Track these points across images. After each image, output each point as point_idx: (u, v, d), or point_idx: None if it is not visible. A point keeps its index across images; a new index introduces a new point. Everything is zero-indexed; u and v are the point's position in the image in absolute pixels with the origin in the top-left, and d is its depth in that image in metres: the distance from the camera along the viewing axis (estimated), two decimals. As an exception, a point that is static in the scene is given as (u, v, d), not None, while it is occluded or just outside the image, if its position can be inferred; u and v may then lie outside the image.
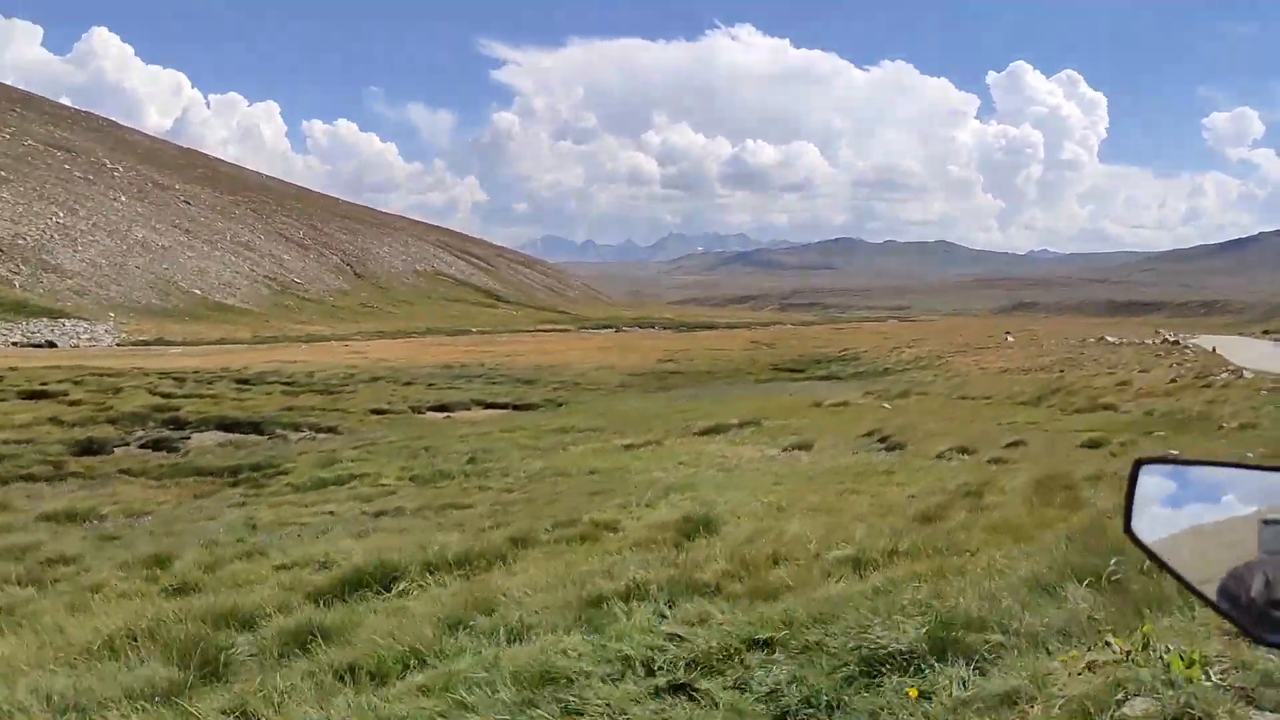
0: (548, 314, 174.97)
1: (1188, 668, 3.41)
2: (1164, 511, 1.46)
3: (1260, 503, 1.36)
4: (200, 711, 4.31)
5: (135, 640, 5.39)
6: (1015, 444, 19.20)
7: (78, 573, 9.41)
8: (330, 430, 24.94)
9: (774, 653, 4.69)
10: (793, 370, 52.10)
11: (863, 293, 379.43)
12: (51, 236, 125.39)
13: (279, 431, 24.43)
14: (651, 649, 4.74)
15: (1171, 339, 55.17)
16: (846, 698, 4.02)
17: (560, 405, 32.75)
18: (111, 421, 24.17)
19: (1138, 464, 1.49)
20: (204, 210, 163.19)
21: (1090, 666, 3.76)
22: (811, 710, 3.97)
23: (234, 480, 17.56)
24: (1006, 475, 14.42)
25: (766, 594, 6.54)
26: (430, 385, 38.57)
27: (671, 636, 4.91)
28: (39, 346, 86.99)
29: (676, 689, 4.32)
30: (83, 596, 7.92)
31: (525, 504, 13.67)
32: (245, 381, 36.91)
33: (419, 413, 29.96)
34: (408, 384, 38.86)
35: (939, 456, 17.82)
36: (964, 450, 18.11)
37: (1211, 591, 1.39)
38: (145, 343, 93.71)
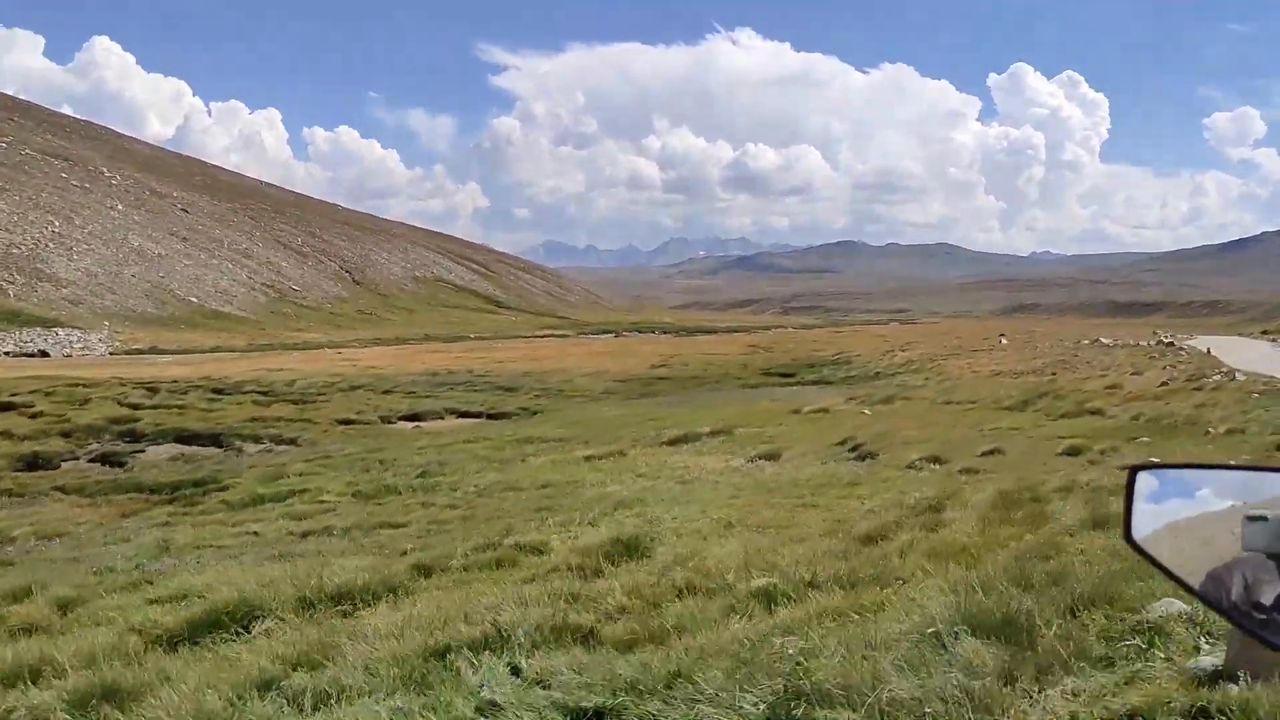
0: (547, 319, 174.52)
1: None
2: (1161, 517, 1.48)
3: (1246, 499, 1.38)
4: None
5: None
6: (992, 452, 18.48)
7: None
8: (290, 442, 24.26)
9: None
10: (783, 375, 51.31)
11: (864, 295, 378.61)
12: (47, 245, 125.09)
13: (237, 444, 23.76)
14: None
15: (1166, 340, 54.28)
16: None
17: (535, 413, 32.03)
18: (65, 435, 23.51)
19: (1133, 471, 1.52)
20: (202, 218, 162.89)
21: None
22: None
23: (171, 497, 16.87)
24: (974, 487, 13.72)
25: (651, 637, 5.83)
26: (409, 394, 37.90)
27: (487, 707, 4.19)
28: (31, 356, 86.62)
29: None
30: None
31: (461, 522, 12.96)
32: (220, 391, 36.25)
33: (389, 423, 29.29)
34: (386, 392, 38.18)
35: (909, 466, 17.10)
36: (936, 460, 17.40)
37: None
38: (139, 351, 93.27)
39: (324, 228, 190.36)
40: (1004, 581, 6.82)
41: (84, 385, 37.18)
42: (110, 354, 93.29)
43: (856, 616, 5.90)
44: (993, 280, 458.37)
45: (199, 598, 7.28)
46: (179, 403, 31.34)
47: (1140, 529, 1.46)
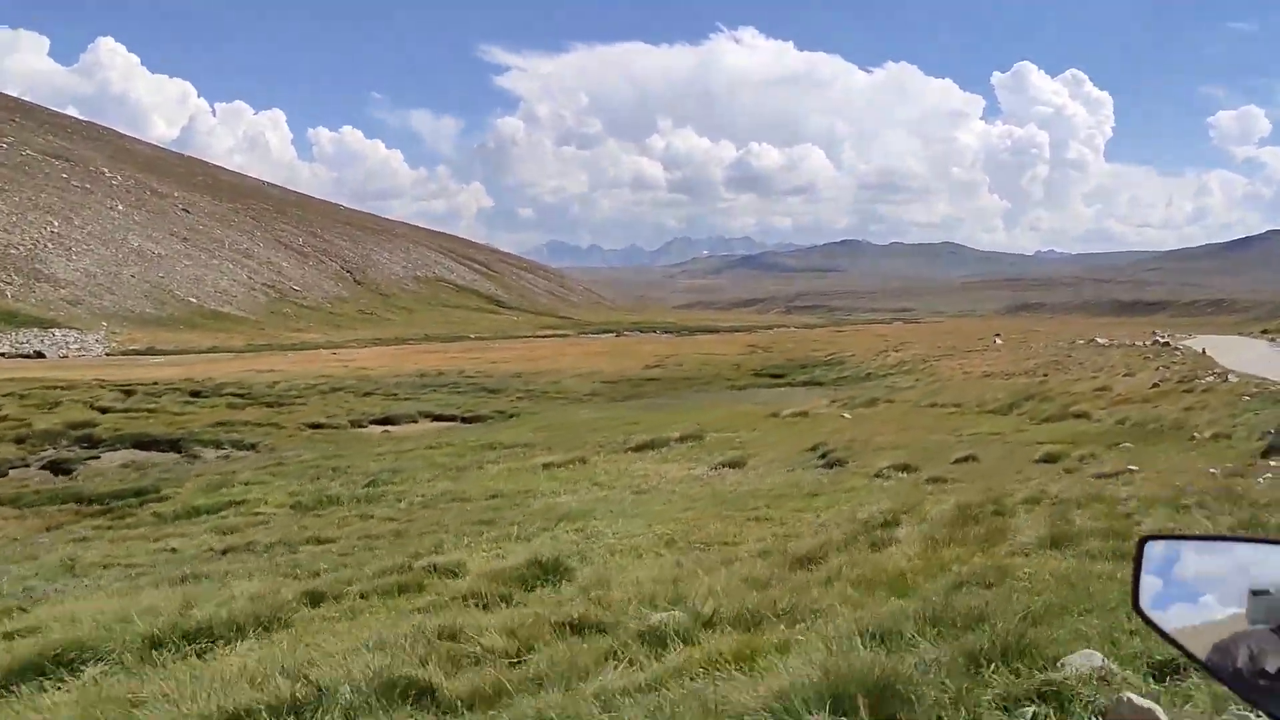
0: (549, 319, 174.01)
1: None
2: (1169, 586, 1.49)
3: (1253, 573, 1.39)
4: None
5: None
6: (965, 459, 17.81)
7: None
8: (251, 448, 23.65)
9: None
10: (774, 376, 50.58)
11: (868, 295, 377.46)
12: (45, 246, 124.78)
13: (196, 449, 23.16)
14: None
15: (1163, 340, 53.42)
16: None
17: (512, 416, 31.37)
18: (19, 440, 22.92)
19: (1142, 542, 1.56)
20: (202, 218, 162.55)
21: None
22: None
23: (105, 508, 16.23)
24: (938, 498, 13.12)
25: (497, 694, 5.19)
26: (390, 396, 37.27)
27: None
28: (27, 357, 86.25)
29: None
30: None
31: (393, 538, 12.33)
32: (198, 394, 35.66)
33: (360, 426, 28.66)
34: (367, 394, 37.56)
35: (877, 475, 16.45)
36: (905, 468, 16.73)
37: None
38: (136, 352, 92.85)
39: (325, 227, 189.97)
40: (916, 622, 6.18)
41: (62, 387, 36.65)
42: (107, 355, 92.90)
43: (737, 669, 5.29)
44: (997, 279, 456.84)
45: (40, 634, 6.63)
46: (150, 406, 30.75)
47: (1148, 599, 1.50)
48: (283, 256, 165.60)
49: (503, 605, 8.23)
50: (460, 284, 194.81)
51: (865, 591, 7.48)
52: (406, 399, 36.16)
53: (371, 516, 14.02)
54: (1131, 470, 15.26)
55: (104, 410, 29.22)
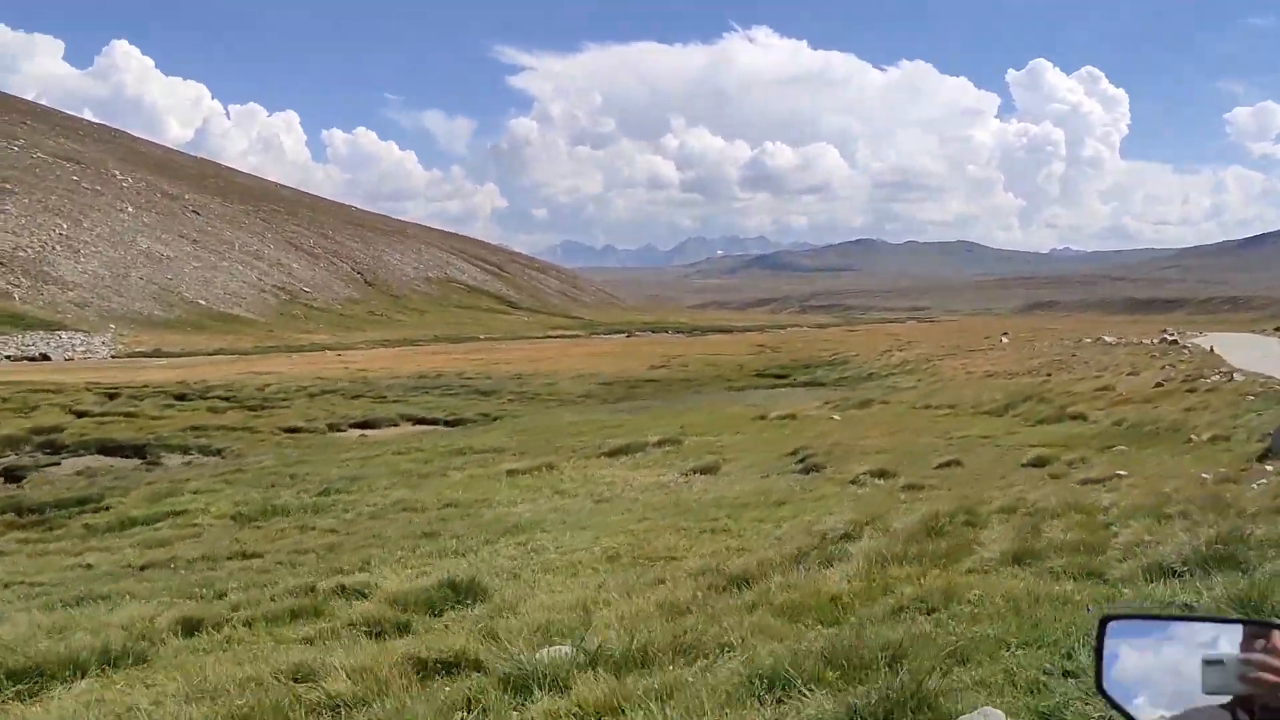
0: (559, 320, 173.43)
1: None
2: (1130, 664, 1.50)
3: (1208, 646, 1.42)
4: None
5: None
6: (949, 464, 17.05)
7: None
8: (217, 453, 23.02)
9: None
10: (777, 376, 49.75)
11: (883, 294, 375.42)
12: (53, 248, 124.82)
13: (161, 455, 22.56)
14: None
15: (1171, 338, 52.27)
16: None
17: (496, 419, 30.62)
18: (-21, 447, 22.37)
19: (1103, 622, 1.56)
20: (213, 220, 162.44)
21: None
22: None
23: (41, 519, 15.58)
24: (910, 507, 12.40)
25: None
26: (379, 399, 36.64)
27: None
28: (33, 359, 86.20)
29: None
30: None
31: (326, 552, 11.63)
32: (182, 397, 35.11)
33: (338, 430, 28.01)
34: (356, 397, 36.94)
35: (853, 482, 15.71)
36: (883, 474, 15.98)
37: None
38: (142, 354, 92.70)
39: (336, 229, 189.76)
40: (820, 662, 5.55)
41: (48, 391, 36.18)
42: (112, 357, 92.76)
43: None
44: (1012, 278, 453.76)
45: None
46: (129, 410, 30.18)
47: (1110, 677, 1.51)
48: (293, 258, 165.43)
49: (396, 634, 7.53)
50: (471, 285, 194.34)
51: (790, 619, 6.79)
52: (394, 401, 35.52)
53: (312, 528, 13.33)
54: (1120, 475, 14.50)
55: (80, 414, 28.69)
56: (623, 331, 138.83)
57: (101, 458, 22.25)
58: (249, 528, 13.65)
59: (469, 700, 5.12)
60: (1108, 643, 1.51)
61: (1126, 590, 6.87)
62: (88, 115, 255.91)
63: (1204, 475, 13.68)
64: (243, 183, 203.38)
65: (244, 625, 7.68)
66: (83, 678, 6.23)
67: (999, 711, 4.32)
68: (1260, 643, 1.40)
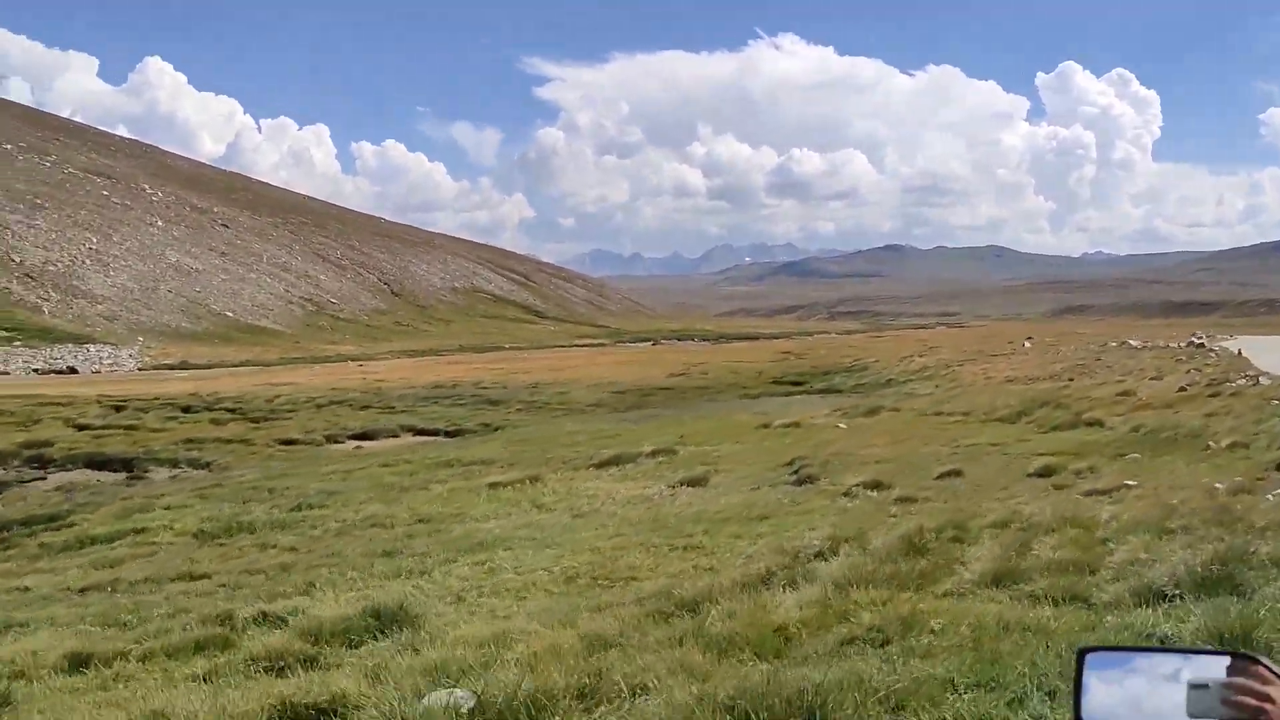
0: (586, 328, 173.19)
1: None
2: (1110, 696, 1.48)
3: (1191, 676, 1.41)
4: None
5: None
6: (949, 474, 16.25)
7: None
8: (205, 466, 22.64)
9: None
10: (794, 383, 48.94)
11: (913, 299, 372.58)
12: (83, 262, 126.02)
13: (149, 469, 22.22)
14: None
15: (1198, 341, 50.90)
16: None
17: (498, 429, 30.11)
18: (-32, 462, 22.09)
19: (1081, 654, 1.55)
20: (241, 233, 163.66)
21: None
22: None
23: (4, 537, 15.13)
24: (901, 520, 11.73)
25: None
26: (387, 409, 36.24)
27: None
28: (60, 373, 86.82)
29: None
30: None
31: (277, 571, 11.08)
32: (188, 409, 34.86)
33: (336, 442, 27.59)
34: (364, 408, 36.57)
35: (845, 494, 14.98)
36: (877, 485, 15.21)
37: None
38: (169, 366, 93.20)
39: (364, 240, 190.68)
40: (722, 715, 4.99)
41: (57, 404, 36.09)
42: (139, 369, 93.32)
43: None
44: (1044, 282, 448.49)
45: None
46: (131, 422, 29.94)
47: (1090, 709, 1.49)
48: (320, 270, 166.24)
49: (301, 669, 6.91)
50: (498, 294, 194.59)
51: (721, 655, 6.11)
52: (402, 412, 35.11)
53: (273, 546, 12.79)
54: (1128, 486, 13.71)
55: (81, 428, 28.48)
56: (649, 340, 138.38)
57: (89, 472, 21.95)
58: (210, 545, 13.14)
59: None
60: (1086, 674, 1.51)
61: (1110, 617, 6.21)
62: (122, 131, 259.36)
63: (1217, 485, 12.89)
64: (271, 196, 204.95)
65: (140, 660, 7.09)
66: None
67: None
68: (1244, 668, 1.40)
